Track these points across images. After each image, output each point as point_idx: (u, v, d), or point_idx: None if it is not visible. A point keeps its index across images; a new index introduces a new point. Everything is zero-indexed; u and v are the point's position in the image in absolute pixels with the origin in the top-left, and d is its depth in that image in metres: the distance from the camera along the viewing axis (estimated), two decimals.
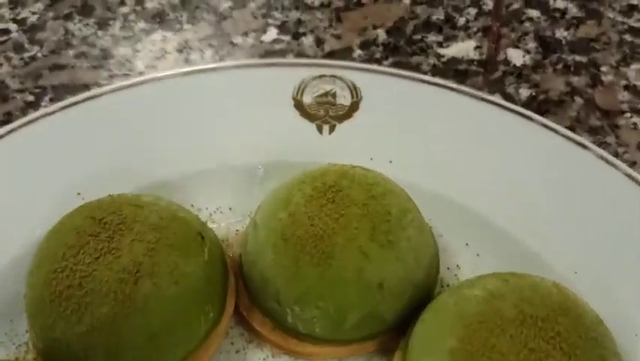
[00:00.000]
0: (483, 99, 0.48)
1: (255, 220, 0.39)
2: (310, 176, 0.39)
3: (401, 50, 0.59)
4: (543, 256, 0.42)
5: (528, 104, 0.55)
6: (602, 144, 0.52)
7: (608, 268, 0.41)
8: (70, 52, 0.59)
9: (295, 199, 0.38)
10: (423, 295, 0.38)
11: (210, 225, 0.45)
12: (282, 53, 0.59)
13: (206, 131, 0.47)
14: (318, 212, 0.37)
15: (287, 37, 0.60)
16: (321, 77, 0.50)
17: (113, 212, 0.36)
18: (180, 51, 0.59)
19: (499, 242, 0.43)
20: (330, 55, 0.59)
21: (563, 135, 0.46)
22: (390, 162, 0.46)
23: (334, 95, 0.49)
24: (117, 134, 0.47)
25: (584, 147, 0.45)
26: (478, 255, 0.43)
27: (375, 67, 0.50)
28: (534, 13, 0.62)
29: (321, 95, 0.49)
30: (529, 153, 0.46)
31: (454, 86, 0.49)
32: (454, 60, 0.59)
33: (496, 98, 0.48)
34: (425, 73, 0.57)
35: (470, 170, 0.45)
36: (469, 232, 0.44)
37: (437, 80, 0.49)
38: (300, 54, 0.59)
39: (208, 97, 0.48)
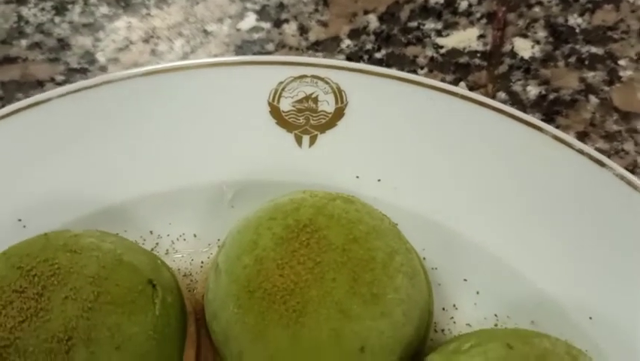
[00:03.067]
0: (487, 106, 0.42)
1: (218, 263, 0.33)
2: (281, 211, 0.33)
3: (395, 39, 0.53)
4: (553, 296, 0.36)
5: (537, 104, 0.49)
6: (618, 152, 0.46)
7: (629, 313, 0.35)
8: (23, 42, 0.53)
9: (263, 241, 0.32)
10: (413, 351, 0.32)
11: (172, 255, 0.39)
12: (260, 44, 0.52)
13: (165, 145, 0.41)
14: (290, 259, 0.31)
15: (267, 25, 0.54)
16: (301, 78, 0.43)
17: (44, 260, 0.30)
18: (146, 41, 0.53)
19: (503, 279, 0.37)
20: (316, 45, 0.52)
21: (578, 150, 0.40)
22: (379, 180, 0.40)
23: (316, 100, 0.43)
24: (64, 149, 0.40)
25: (602, 164, 0.39)
26: (478, 293, 0.38)
27: (362, 66, 0.44)
28: None
29: (300, 100, 0.43)
30: (539, 172, 0.39)
31: (454, 89, 0.43)
32: (454, 52, 0.52)
33: (501, 105, 0.42)
34: (422, 67, 0.51)
35: (472, 193, 0.39)
36: (468, 265, 0.38)
37: (435, 82, 0.43)
38: (282, 44, 0.52)
39: (168, 103, 0.42)
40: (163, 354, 0.31)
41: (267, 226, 0.32)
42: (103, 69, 0.51)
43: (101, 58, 0.52)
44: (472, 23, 0.54)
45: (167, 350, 0.31)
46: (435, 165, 0.40)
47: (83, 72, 0.51)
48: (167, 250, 0.39)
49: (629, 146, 0.47)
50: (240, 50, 0.52)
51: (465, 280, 0.38)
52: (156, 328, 0.31)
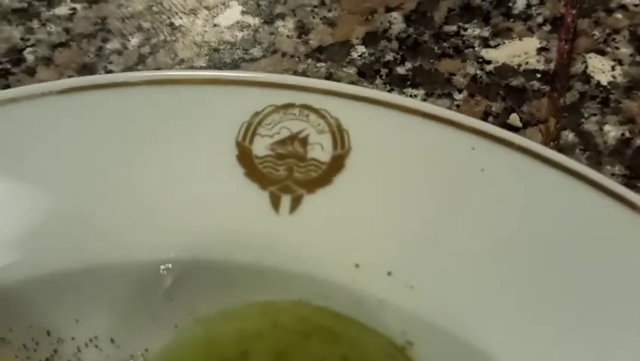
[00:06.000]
0: (559, 166, 0.28)
1: None
2: (220, 350, 0.20)
3: (425, 48, 0.39)
4: None
5: (618, 151, 0.35)
6: None
7: None
8: None
9: None
10: None
11: None
12: (244, 47, 0.39)
13: (77, 201, 0.28)
14: None
15: (256, 21, 0.40)
16: (285, 108, 0.30)
17: None
18: (93, 36, 0.40)
19: None
20: (318, 52, 0.39)
21: None
22: (389, 273, 0.27)
23: (305, 143, 0.29)
24: None
25: None
26: None
27: (376, 95, 0.30)
28: None
29: (283, 142, 0.29)
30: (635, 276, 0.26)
31: (509, 137, 0.29)
32: (504, 70, 0.38)
33: (580, 167, 0.28)
34: (460, 89, 0.37)
35: (531, 302, 0.26)
36: None
37: (482, 125, 0.29)
38: (273, 49, 0.39)
39: (87, 136, 0.29)
40: None
41: None
42: (30, 72, 0.38)
43: (29, 56, 0.39)
44: (530, 31, 0.40)
45: None
46: (478, 255, 0.27)
47: (3, 76, 0.38)
48: None
49: None
50: (216, 54, 0.39)
51: None
52: None
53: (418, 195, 0.28)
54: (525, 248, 0.27)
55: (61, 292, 0.27)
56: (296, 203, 0.28)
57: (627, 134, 0.36)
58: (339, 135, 0.29)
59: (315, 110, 0.30)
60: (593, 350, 0.25)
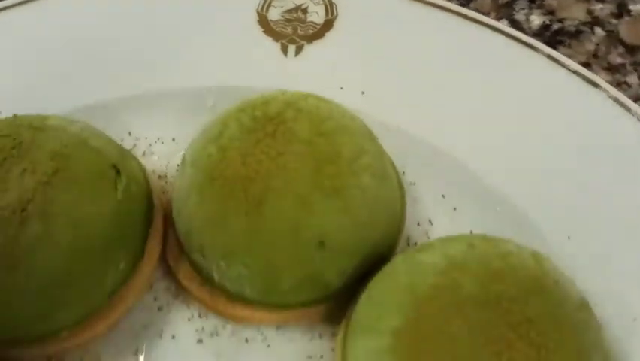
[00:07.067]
0: (481, 23, 0.40)
1: (184, 155, 0.33)
2: (251, 104, 0.32)
3: None
4: (532, 216, 0.35)
5: (539, 33, 0.47)
6: (621, 85, 0.45)
7: (608, 235, 0.34)
8: None
9: (229, 131, 0.31)
10: (378, 257, 0.31)
11: (149, 157, 0.39)
12: None
13: (148, 48, 0.40)
14: (253, 148, 0.30)
15: None
16: None
17: (7, 135, 0.30)
18: None
19: (482, 196, 0.36)
20: None
21: (571, 70, 0.38)
22: (363, 93, 0.39)
23: (305, 11, 0.42)
24: (47, 45, 0.40)
25: (595, 85, 0.38)
26: (455, 209, 0.36)
27: None
28: None
29: (290, 10, 0.42)
30: (529, 91, 0.38)
31: (449, 5, 0.41)
32: None
33: (495, 23, 0.41)
34: None
35: (457, 110, 0.38)
36: (447, 181, 0.37)
37: None
38: None
39: (153, 7, 0.41)
40: (122, 240, 0.31)
41: (235, 118, 0.32)
42: None
43: None
44: None
45: (127, 236, 0.31)
46: (421, 81, 0.39)
47: None
48: (144, 152, 0.39)
49: (632, 79, 0.45)
50: None
51: (443, 196, 0.37)
52: (117, 213, 0.30)
53: (384, 43, 0.40)
54: (462, 78, 0.39)
55: (137, 106, 0.39)
56: (299, 50, 0.41)
57: (547, 22, 0.48)
58: (329, 6, 0.42)
59: None
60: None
